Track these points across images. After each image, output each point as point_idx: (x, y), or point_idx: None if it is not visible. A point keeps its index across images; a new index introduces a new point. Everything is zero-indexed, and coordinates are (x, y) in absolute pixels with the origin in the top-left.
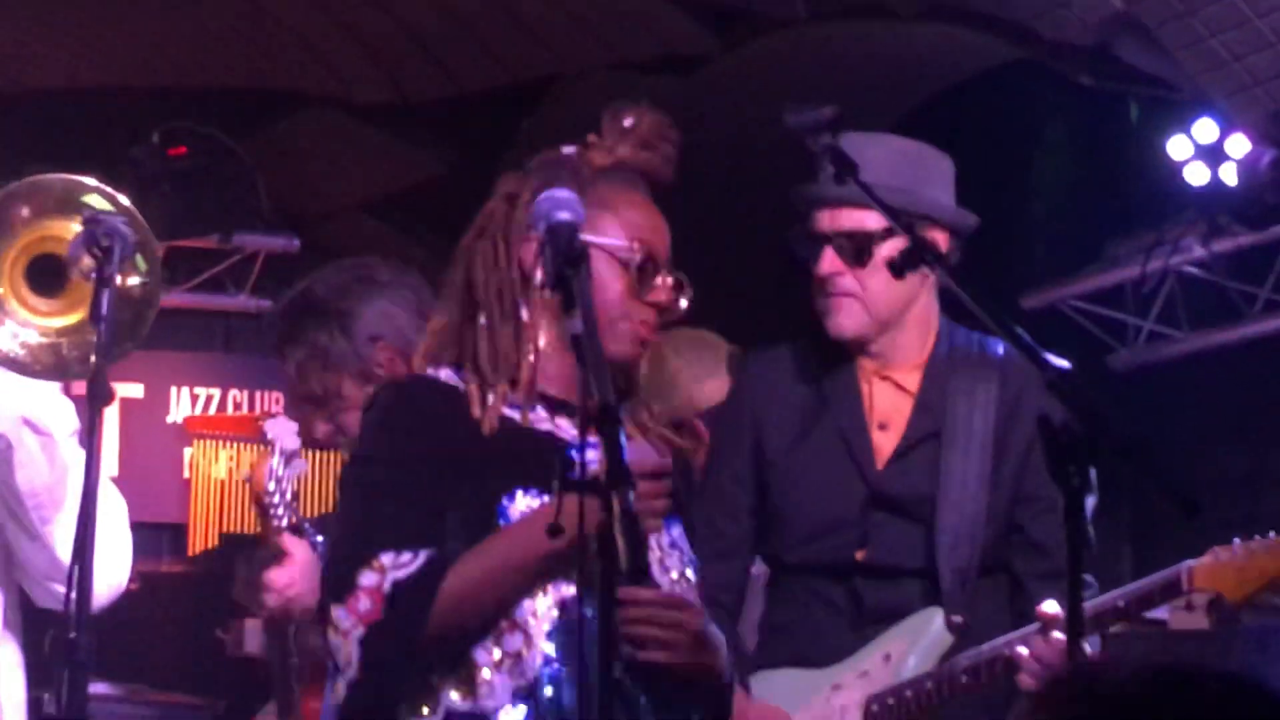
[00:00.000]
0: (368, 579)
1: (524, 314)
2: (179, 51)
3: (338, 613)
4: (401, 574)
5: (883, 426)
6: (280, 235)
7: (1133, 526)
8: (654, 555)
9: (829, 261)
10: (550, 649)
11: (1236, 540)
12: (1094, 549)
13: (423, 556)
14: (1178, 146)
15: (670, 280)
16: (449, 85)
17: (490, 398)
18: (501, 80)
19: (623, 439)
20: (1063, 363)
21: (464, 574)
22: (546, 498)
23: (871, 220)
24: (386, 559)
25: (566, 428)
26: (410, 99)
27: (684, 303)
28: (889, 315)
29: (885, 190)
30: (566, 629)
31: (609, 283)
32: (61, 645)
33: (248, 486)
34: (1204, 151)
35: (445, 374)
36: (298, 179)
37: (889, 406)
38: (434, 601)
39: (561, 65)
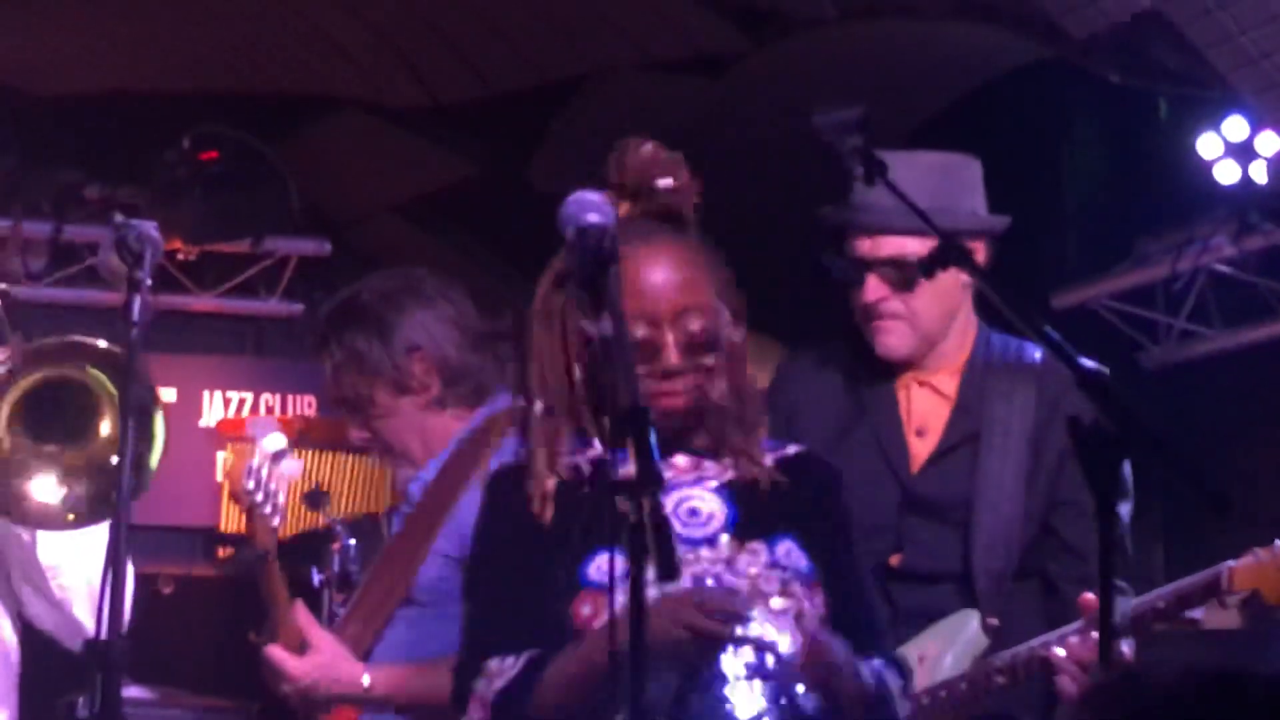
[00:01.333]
0: (480, 686)
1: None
2: (210, 56)
3: (465, 715)
4: (502, 682)
5: (920, 433)
6: (311, 239)
7: (1164, 526)
8: (744, 581)
9: (874, 288)
10: None
11: (1277, 541)
12: (1129, 553)
13: (524, 659)
14: (1207, 144)
15: (686, 332)
16: (479, 87)
17: (544, 474)
18: (531, 81)
19: (653, 440)
20: (1093, 363)
21: (551, 681)
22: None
23: (912, 245)
24: (494, 665)
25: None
26: (440, 101)
27: (714, 350)
28: (936, 332)
29: (899, 212)
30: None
31: None
32: (95, 649)
33: (234, 490)
34: (1234, 149)
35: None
36: (329, 182)
37: (927, 412)
38: (531, 702)
39: (590, 65)
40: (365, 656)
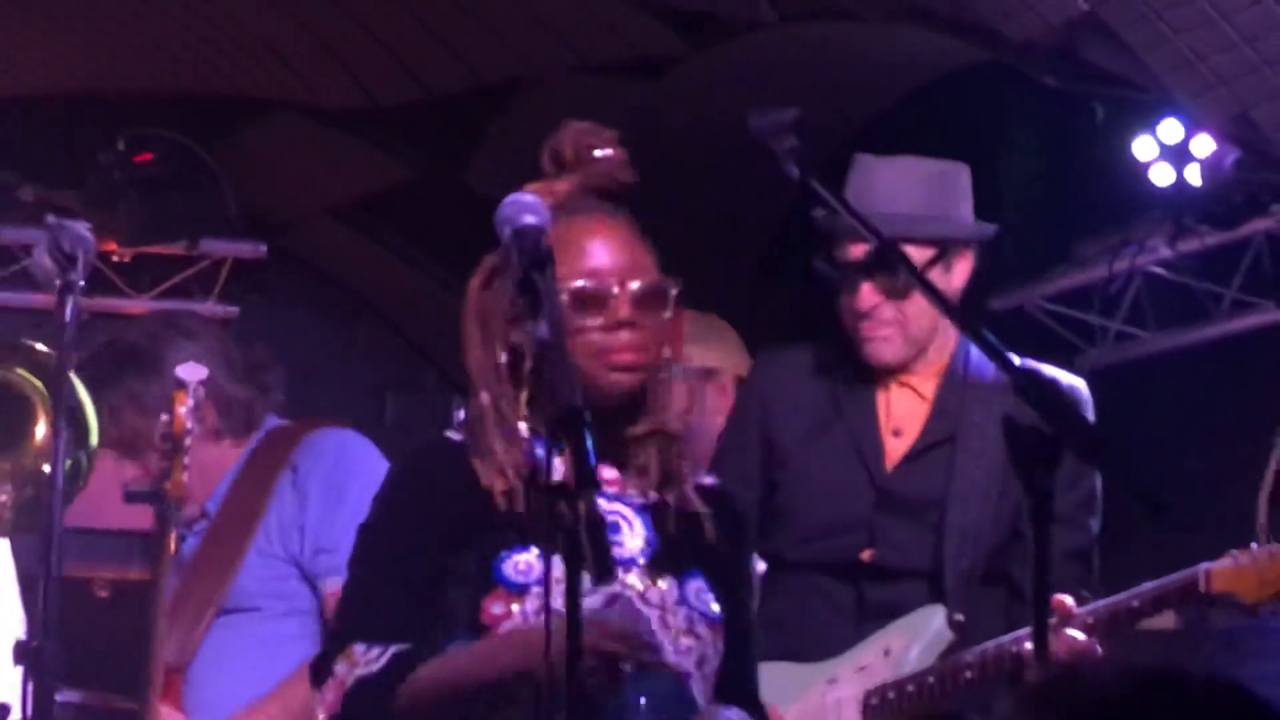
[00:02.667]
0: (340, 669)
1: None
2: (146, 58)
3: (315, 697)
4: (365, 671)
5: (896, 433)
6: (247, 241)
7: (1101, 528)
8: (654, 612)
9: (868, 295)
10: None
11: (1254, 544)
12: (1094, 567)
13: (390, 653)
14: (1143, 147)
15: (634, 289)
16: (416, 90)
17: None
18: (469, 84)
19: (589, 443)
20: (1030, 363)
21: (432, 678)
22: (535, 552)
23: (911, 252)
24: (358, 651)
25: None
26: (377, 103)
27: (665, 299)
28: (925, 338)
29: (923, 220)
30: None
31: (566, 327)
32: (27, 653)
33: (169, 434)
34: (1169, 152)
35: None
36: (265, 185)
37: (904, 413)
38: (392, 701)
39: (528, 69)
40: (185, 671)
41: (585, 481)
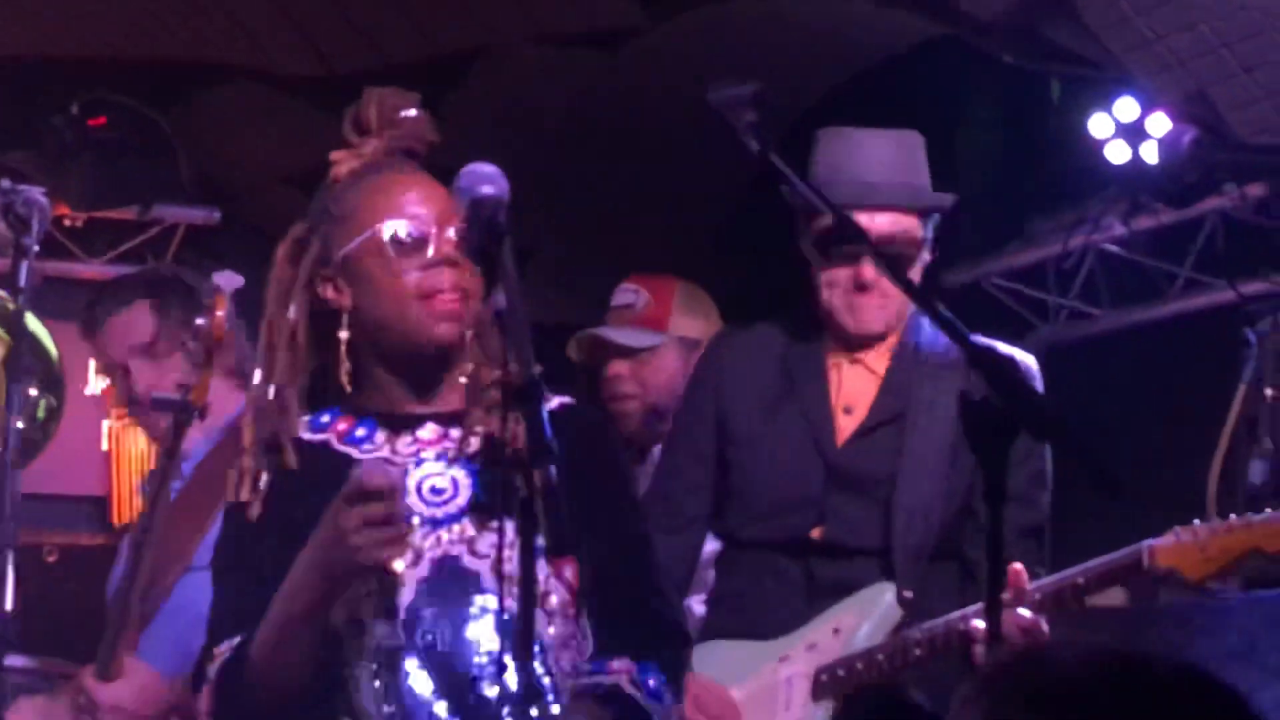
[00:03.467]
0: (210, 670)
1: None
2: (101, 22)
3: (196, 706)
4: (221, 660)
5: (848, 410)
6: (201, 208)
7: (1052, 506)
8: (485, 562)
9: (871, 268)
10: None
11: (1197, 520)
12: (1044, 543)
13: (240, 638)
14: (1099, 125)
15: (451, 233)
16: (374, 58)
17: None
18: (426, 53)
19: (545, 414)
20: (984, 340)
21: (263, 636)
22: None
23: (915, 227)
24: (219, 650)
25: (405, 445)
26: (334, 71)
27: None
28: (905, 310)
29: (906, 189)
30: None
31: (382, 277)
32: None
33: (208, 335)
34: (1125, 130)
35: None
36: (220, 151)
37: (856, 390)
38: (246, 673)
39: (487, 38)
40: (144, 627)
41: (541, 452)
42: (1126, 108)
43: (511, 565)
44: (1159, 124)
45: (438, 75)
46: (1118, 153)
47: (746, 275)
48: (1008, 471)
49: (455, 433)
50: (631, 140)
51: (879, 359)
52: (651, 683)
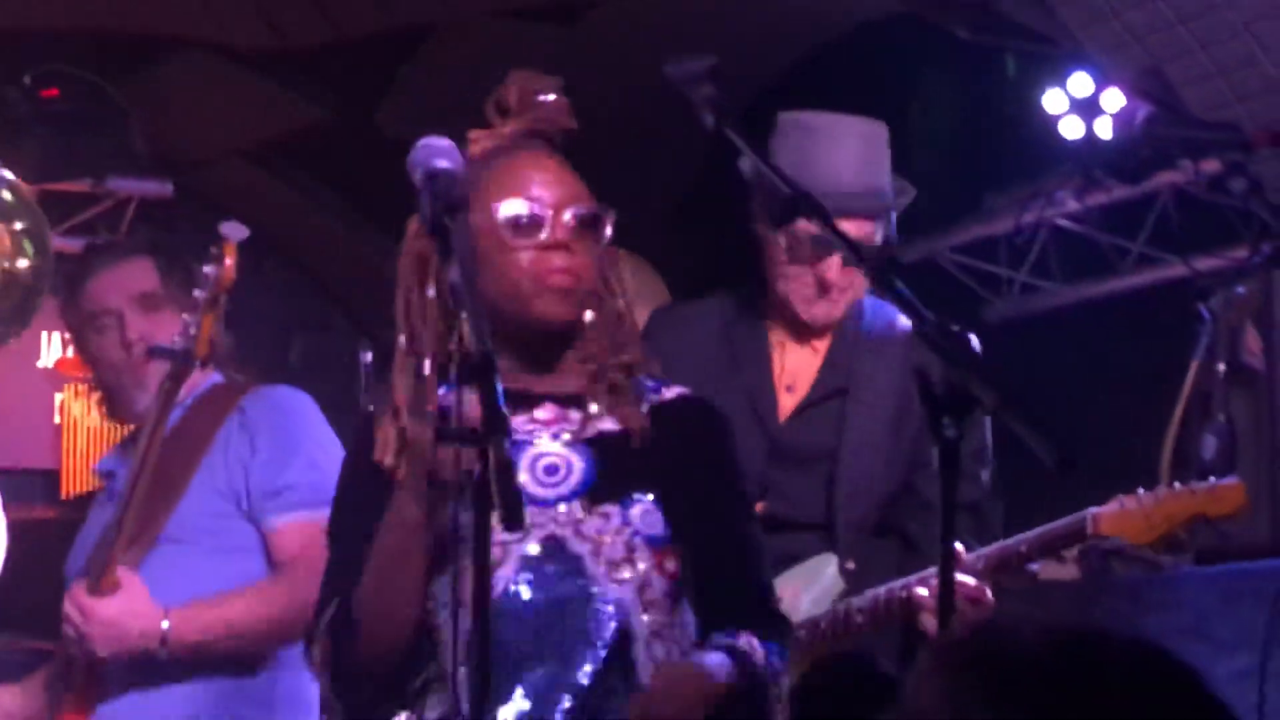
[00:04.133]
0: (323, 622)
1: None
2: None
3: (310, 662)
4: (331, 612)
5: (790, 388)
6: (154, 181)
7: (1005, 479)
8: (588, 545)
9: (839, 268)
10: None
11: (1140, 488)
12: (989, 518)
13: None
14: (1053, 100)
15: (568, 217)
16: (329, 31)
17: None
18: (382, 26)
19: (499, 388)
20: (936, 316)
21: (363, 590)
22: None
23: (875, 228)
24: (328, 612)
25: (522, 423)
26: (289, 44)
27: (602, 228)
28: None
29: (875, 197)
30: None
31: (497, 255)
32: None
33: (218, 282)
34: (1079, 105)
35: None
36: (174, 124)
37: (798, 368)
38: (354, 623)
39: (443, 11)
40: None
41: (494, 427)
42: (1081, 83)
43: (615, 550)
44: (1113, 99)
45: (394, 48)
46: (1072, 128)
47: (701, 251)
48: (934, 439)
49: (575, 414)
50: (586, 114)
51: (822, 336)
52: (775, 661)
